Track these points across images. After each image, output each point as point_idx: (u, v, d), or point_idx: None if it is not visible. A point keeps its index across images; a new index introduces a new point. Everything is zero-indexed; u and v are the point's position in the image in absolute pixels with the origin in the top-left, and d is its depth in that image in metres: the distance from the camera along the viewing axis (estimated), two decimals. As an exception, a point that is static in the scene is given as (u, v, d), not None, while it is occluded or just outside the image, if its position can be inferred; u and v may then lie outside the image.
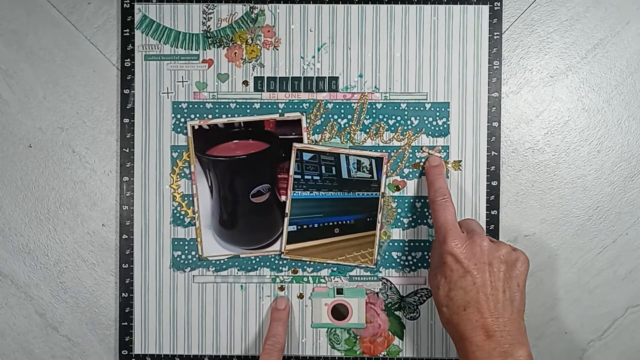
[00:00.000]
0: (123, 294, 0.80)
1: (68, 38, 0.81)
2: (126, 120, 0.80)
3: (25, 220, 0.81)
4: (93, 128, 0.81)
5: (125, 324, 0.81)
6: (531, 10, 0.80)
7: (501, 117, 0.79)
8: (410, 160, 0.79)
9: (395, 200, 0.80)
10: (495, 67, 0.79)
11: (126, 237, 0.80)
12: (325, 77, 0.79)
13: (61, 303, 0.82)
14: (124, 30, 0.80)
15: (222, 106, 0.79)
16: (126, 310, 0.80)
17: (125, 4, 0.80)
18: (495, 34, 0.79)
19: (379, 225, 0.80)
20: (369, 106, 0.79)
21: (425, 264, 0.80)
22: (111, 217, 0.81)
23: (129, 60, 0.80)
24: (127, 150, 0.80)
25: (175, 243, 0.80)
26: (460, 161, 0.79)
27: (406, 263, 0.80)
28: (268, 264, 0.80)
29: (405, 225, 0.80)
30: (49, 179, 0.81)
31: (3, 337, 0.82)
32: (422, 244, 0.80)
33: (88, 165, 0.81)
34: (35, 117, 0.81)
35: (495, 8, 0.79)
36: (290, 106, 0.79)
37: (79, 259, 0.81)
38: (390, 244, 0.80)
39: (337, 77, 0.79)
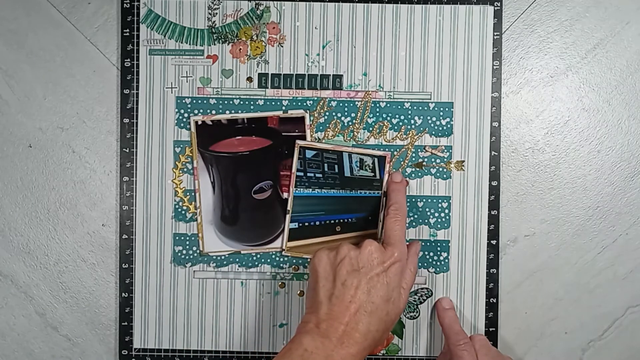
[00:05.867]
0: (123, 294, 0.80)
1: (68, 38, 0.80)
2: (126, 120, 0.80)
3: (25, 220, 0.81)
4: (93, 128, 0.81)
5: (125, 324, 0.80)
6: (531, 10, 0.80)
7: (501, 117, 0.80)
8: (413, 159, 0.79)
9: (397, 199, 0.80)
10: (495, 67, 0.79)
11: (126, 237, 0.80)
12: (330, 75, 0.79)
13: (61, 303, 0.81)
14: (124, 30, 0.80)
15: (225, 102, 0.79)
16: (126, 310, 0.80)
17: (125, 4, 0.80)
18: (495, 34, 0.79)
19: (380, 224, 0.80)
20: (372, 105, 0.79)
21: (425, 264, 0.80)
22: (111, 217, 0.81)
23: (129, 60, 0.80)
24: (127, 150, 0.80)
25: (177, 238, 0.80)
26: (463, 161, 0.79)
27: (407, 262, 0.80)
28: (269, 260, 0.80)
29: (407, 225, 0.80)
30: (49, 179, 0.81)
31: (3, 337, 0.81)
32: (423, 243, 0.80)
33: (88, 165, 0.81)
34: (35, 117, 0.80)
35: (495, 8, 0.79)
36: (294, 103, 0.79)
37: (79, 259, 0.81)
38: (392, 243, 0.80)
39: (342, 75, 0.79)
